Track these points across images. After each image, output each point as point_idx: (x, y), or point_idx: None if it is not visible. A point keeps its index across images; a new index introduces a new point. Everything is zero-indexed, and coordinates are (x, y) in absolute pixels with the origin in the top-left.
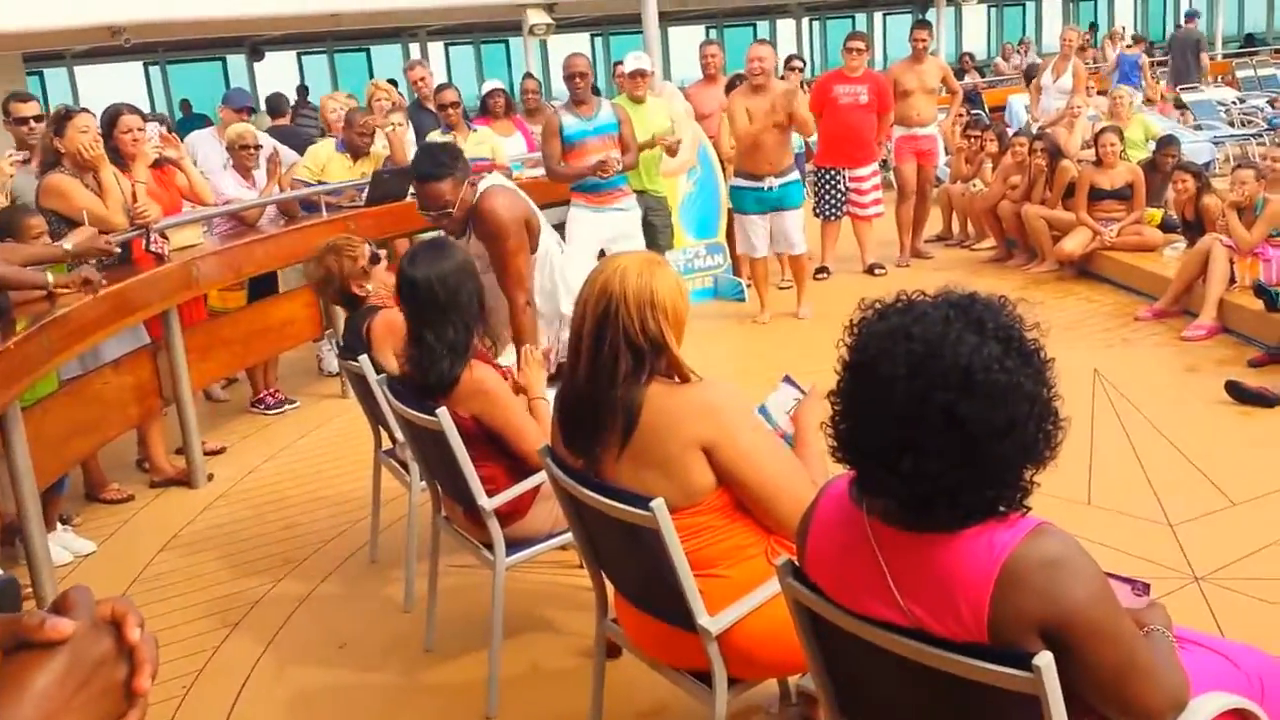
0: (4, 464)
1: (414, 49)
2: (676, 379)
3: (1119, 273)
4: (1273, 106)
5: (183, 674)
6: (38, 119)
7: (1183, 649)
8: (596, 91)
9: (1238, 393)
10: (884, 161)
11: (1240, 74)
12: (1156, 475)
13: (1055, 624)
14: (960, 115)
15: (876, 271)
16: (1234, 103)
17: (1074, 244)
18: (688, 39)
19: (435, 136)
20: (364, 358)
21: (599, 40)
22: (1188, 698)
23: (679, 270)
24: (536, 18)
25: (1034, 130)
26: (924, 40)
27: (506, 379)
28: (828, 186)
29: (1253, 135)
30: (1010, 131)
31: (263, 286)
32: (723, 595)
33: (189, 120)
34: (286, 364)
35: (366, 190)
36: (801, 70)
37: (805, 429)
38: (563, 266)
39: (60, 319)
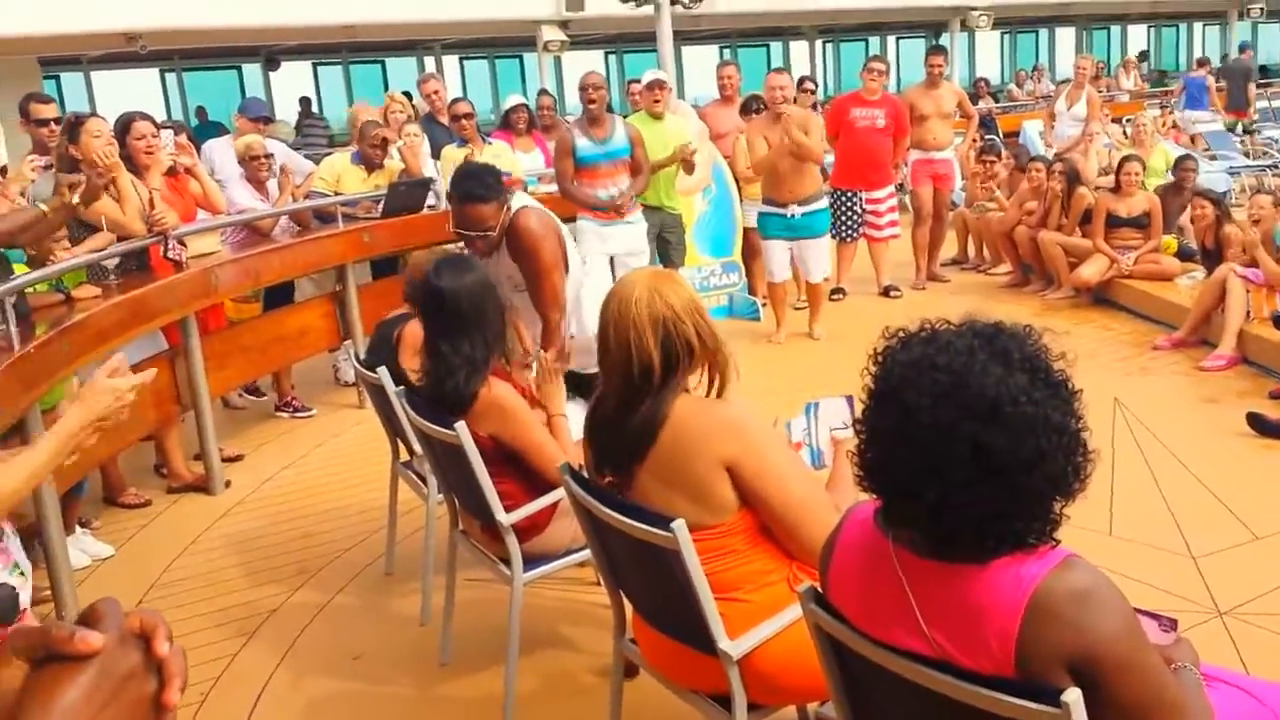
0: None
1: (429, 62)
2: (717, 382)
3: (1135, 300)
4: None
5: (200, 681)
6: (58, 121)
7: (1209, 687)
8: (611, 109)
9: (1260, 425)
10: (900, 185)
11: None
12: (1178, 507)
13: (1083, 658)
14: (975, 140)
15: (892, 293)
16: (1247, 133)
17: (1091, 271)
18: (701, 59)
19: (452, 149)
20: (383, 370)
21: (613, 58)
22: None
23: (695, 288)
24: (551, 34)
25: (1050, 156)
26: (940, 65)
27: (524, 396)
28: (844, 208)
29: (1269, 166)
30: (1028, 154)
31: (278, 298)
32: (744, 619)
33: (204, 128)
34: (301, 374)
35: (382, 202)
36: (814, 92)
37: (842, 455)
38: (580, 283)
39: (79, 324)
